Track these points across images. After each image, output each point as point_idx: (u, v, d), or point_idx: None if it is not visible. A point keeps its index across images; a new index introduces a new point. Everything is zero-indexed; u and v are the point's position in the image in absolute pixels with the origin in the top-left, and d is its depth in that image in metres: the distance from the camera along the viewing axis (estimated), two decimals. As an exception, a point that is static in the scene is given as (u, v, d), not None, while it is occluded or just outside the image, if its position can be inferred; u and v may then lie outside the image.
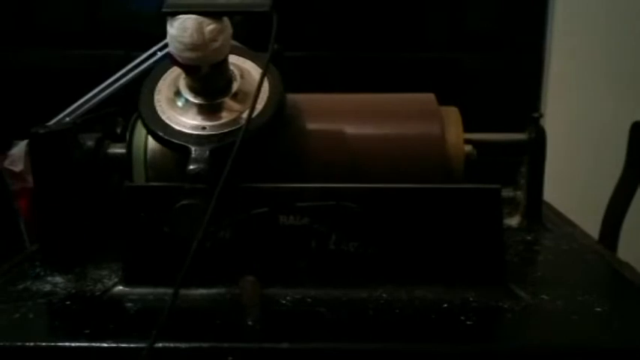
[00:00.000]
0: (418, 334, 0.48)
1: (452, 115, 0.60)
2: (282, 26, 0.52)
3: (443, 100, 0.62)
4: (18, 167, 1.14)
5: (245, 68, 0.58)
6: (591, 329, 0.49)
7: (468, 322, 0.49)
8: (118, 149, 0.60)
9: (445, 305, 0.51)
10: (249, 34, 0.61)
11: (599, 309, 0.51)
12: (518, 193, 0.72)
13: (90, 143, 0.59)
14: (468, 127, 0.61)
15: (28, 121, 0.61)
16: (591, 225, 0.79)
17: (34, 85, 1.30)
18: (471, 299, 0.52)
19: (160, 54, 0.94)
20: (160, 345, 0.45)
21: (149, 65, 0.93)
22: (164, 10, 0.50)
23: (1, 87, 1.27)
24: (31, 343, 0.46)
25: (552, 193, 0.75)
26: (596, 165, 1.20)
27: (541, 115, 0.69)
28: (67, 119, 0.89)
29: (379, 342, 0.47)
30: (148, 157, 0.58)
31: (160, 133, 0.54)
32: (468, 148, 0.59)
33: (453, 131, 0.59)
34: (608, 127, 1.20)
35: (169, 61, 0.53)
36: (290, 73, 0.58)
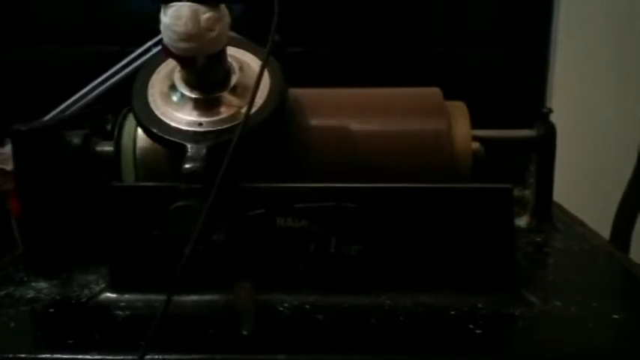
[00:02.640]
0: (424, 344, 0.46)
1: (459, 110, 0.58)
2: (284, 22, 0.50)
3: (446, 97, 0.60)
4: (9, 166, 1.11)
5: (244, 61, 0.55)
6: (609, 338, 0.46)
7: (477, 331, 0.46)
8: (107, 147, 0.58)
9: (452, 312, 0.49)
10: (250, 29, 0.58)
11: (616, 316, 0.48)
12: (527, 192, 0.70)
13: (76, 141, 0.57)
14: (472, 124, 0.58)
15: (21, 119, 0.58)
16: (601, 225, 0.77)
17: (28, 82, 1.27)
18: (479, 306, 0.49)
19: (155, 50, 0.91)
20: (149, 357, 0.42)
21: (143, 62, 0.91)
22: None
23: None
24: (10, 355, 0.43)
25: (560, 192, 0.72)
26: (604, 163, 1.18)
27: (551, 111, 0.66)
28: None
29: (382, 352, 0.44)
30: (137, 154, 0.55)
31: (154, 130, 0.52)
32: (476, 145, 0.57)
33: (460, 127, 0.57)
34: (616, 124, 1.18)
35: (163, 52, 0.51)
36: (291, 69, 0.56)
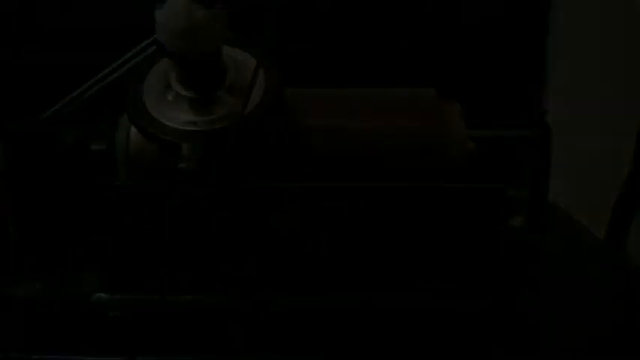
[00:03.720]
0: (415, 344, 0.46)
1: (453, 110, 0.58)
2: (282, 21, 0.50)
3: (441, 97, 0.59)
4: (3, 165, 1.11)
5: (240, 60, 0.55)
6: (605, 338, 0.46)
7: (470, 330, 0.46)
8: (101, 146, 0.57)
9: (444, 312, 0.49)
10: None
11: (610, 315, 0.48)
12: (522, 192, 0.70)
13: (70, 140, 0.57)
14: (467, 124, 0.57)
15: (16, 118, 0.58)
16: (596, 225, 0.77)
17: (27, 82, 1.27)
18: (472, 306, 0.49)
19: (150, 49, 0.91)
20: (141, 358, 0.42)
21: (138, 60, 0.91)
22: None
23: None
24: (2, 355, 0.43)
25: (555, 191, 0.72)
26: (600, 163, 1.18)
27: (546, 112, 0.66)
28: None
29: (373, 353, 0.44)
30: (131, 153, 0.55)
31: (148, 129, 0.51)
32: (471, 144, 0.57)
33: (455, 127, 0.56)
34: (614, 124, 1.18)
35: (158, 51, 0.51)
36: (288, 69, 0.55)
